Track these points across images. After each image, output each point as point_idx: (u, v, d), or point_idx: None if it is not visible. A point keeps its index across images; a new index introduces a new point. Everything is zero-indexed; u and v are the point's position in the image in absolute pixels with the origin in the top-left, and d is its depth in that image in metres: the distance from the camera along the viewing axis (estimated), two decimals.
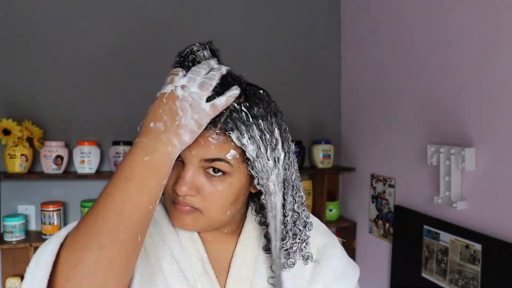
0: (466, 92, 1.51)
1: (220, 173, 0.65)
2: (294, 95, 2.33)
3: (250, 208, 0.79)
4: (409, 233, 1.78)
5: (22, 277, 1.94)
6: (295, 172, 0.71)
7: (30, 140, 1.94)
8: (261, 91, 0.68)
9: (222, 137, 0.63)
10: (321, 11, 2.40)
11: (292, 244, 0.72)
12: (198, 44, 0.66)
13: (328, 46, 2.41)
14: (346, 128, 2.38)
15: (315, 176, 2.31)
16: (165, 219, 0.73)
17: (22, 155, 1.90)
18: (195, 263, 0.70)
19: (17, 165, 1.90)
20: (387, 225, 1.99)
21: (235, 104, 0.63)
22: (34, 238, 1.95)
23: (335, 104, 2.41)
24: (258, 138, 0.63)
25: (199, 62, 0.64)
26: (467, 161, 1.43)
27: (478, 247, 1.41)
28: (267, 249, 0.75)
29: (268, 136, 0.64)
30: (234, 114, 0.62)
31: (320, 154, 2.23)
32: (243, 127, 0.62)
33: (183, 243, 0.72)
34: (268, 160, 0.65)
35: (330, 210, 2.29)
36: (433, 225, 1.63)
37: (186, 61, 0.64)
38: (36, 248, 1.92)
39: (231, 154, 0.64)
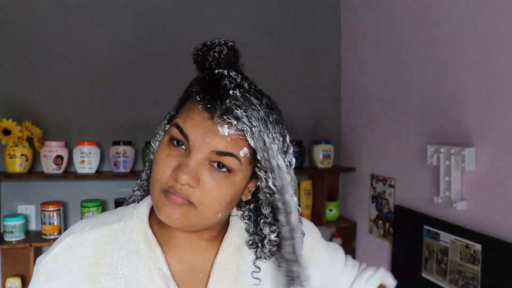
0: (466, 92, 1.51)
1: (225, 169, 0.62)
2: (294, 95, 2.33)
3: (235, 215, 0.76)
4: (409, 233, 1.78)
5: (22, 277, 1.94)
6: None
7: (30, 140, 1.94)
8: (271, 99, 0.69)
9: (239, 132, 0.61)
10: (321, 11, 2.40)
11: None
12: (224, 43, 0.65)
13: (328, 46, 2.41)
14: (346, 128, 2.38)
15: (315, 176, 2.30)
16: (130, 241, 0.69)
17: (22, 155, 1.90)
18: (157, 282, 0.66)
19: (17, 165, 1.90)
20: (387, 225, 1.99)
21: (256, 105, 0.62)
22: (34, 238, 1.95)
23: (335, 104, 2.41)
24: (272, 140, 0.63)
25: (223, 57, 0.64)
26: (467, 161, 1.43)
27: (478, 247, 1.41)
28: (258, 257, 0.73)
29: (281, 139, 0.65)
30: (255, 113, 0.61)
31: (320, 154, 2.23)
32: (262, 128, 0.62)
33: (144, 261, 0.67)
34: (280, 164, 0.64)
35: (330, 210, 2.29)
36: (433, 225, 1.63)
37: (212, 51, 0.64)
38: (36, 248, 1.93)
39: (244, 151, 0.62)
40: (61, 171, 1.96)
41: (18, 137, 1.86)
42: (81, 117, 2.09)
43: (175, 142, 0.63)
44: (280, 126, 0.66)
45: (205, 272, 0.70)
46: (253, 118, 0.61)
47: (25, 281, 1.94)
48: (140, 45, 2.14)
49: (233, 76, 0.63)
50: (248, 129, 0.60)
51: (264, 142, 0.62)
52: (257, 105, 0.62)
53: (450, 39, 1.58)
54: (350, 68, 2.35)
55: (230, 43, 0.65)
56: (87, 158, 1.98)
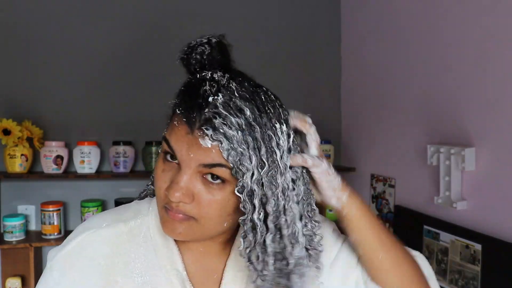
0: (466, 92, 1.51)
1: (219, 181, 0.58)
2: (294, 95, 2.33)
3: None
4: (409, 233, 1.78)
5: (22, 277, 1.94)
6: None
7: (30, 140, 1.94)
8: (270, 93, 0.62)
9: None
10: (321, 11, 2.40)
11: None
12: (206, 41, 0.60)
13: (328, 46, 2.41)
14: (346, 128, 2.38)
15: None
16: (143, 239, 0.67)
17: (22, 155, 1.90)
18: (174, 282, 0.65)
19: (17, 165, 1.90)
20: (387, 225, 1.99)
21: (241, 109, 0.56)
22: (34, 238, 1.95)
23: (335, 104, 2.41)
24: (258, 155, 0.56)
25: (206, 57, 0.60)
26: (467, 161, 1.43)
27: (478, 247, 1.41)
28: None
29: (278, 154, 0.58)
30: (235, 120, 0.55)
31: None
32: (244, 137, 0.55)
33: (160, 261, 0.66)
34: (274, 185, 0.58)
35: (330, 210, 2.29)
36: (433, 225, 1.63)
37: (194, 53, 0.60)
38: (36, 248, 1.93)
39: None
40: (61, 171, 1.96)
41: (18, 137, 1.86)
42: (81, 117, 2.09)
43: (168, 157, 0.61)
44: (279, 134, 0.58)
45: (218, 273, 0.69)
46: (231, 125, 0.55)
47: (25, 281, 1.94)
48: (140, 45, 2.14)
49: (217, 79, 0.58)
50: (224, 140, 0.54)
51: (244, 157, 0.55)
52: (242, 109, 0.56)
53: (450, 39, 1.58)
54: (350, 68, 2.35)
55: (213, 40, 0.60)
56: (87, 158, 1.98)
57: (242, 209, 0.58)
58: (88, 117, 2.09)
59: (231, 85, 0.57)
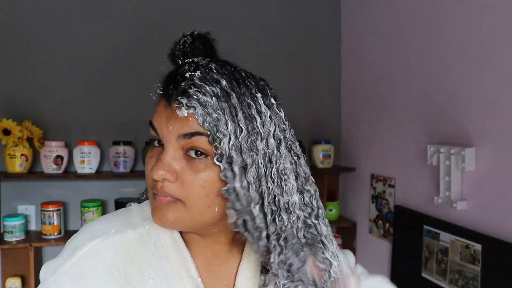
0: (466, 92, 1.51)
1: (203, 156, 0.57)
2: (294, 95, 2.33)
3: None
4: (409, 233, 1.78)
5: (22, 277, 1.94)
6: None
7: (30, 140, 1.94)
8: (255, 75, 0.62)
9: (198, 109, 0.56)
10: (321, 11, 2.40)
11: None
12: (189, 34, 0.62)
13: (328, 46, 2.41)
14: (346, 128, 2.38)
15: (315, 176, 2.26)
16: (154, 245, 0.65)
17: (22, 155, 1.90)
18: None
19: (17, 165, 1.90)
20: (387, 225, 1.99)
21: (217, 80, 0.56)
22: (34, 238, 1.95)
23: (335, 104, 2.41)
24: (235, 121, 0.56)
25: (188, 46, 0.61)
26: (467, 161, 1.43)
27: (478, 247, 1.41)
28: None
29: (259, 120, 0.57)
30: (210, 88, 0.56)
31: (320, 154, 2.23)
32: (220, 103, 0.55)
33: (174, 268, 0.64)
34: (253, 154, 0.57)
35: (330, 210, 2.29)
36: (433, 225, 1.63)
37: (178, 46, 0.62)
38: (36, 248, 1.93)
39: None
40: (61, 171, 1.96)
41: (18, 137, 1.86)
42: (81, 117, 2.09)
43: (156, 143, 0.61)
44: (260, 102, 0.58)
45: (229, 279, 0.68)
46: (205, 93, 0.55)
47: (25, 281, 1.94)
48: (140, 45, 2.14)
49: (196, 61, 0.59)
50: (198, 106, 0.55)
51: (220, 122, 0.55)
52: (218, 80, 0.56)
53: (450, 38, 1.58)
54: (350, 68, 2.35)
55: (196, 32, 0.62)
56: (87, 158, 1.98)
57: (223, 177, 0.56)
58: (88, 117, 2.09)
59: (210, 65, 0.58)
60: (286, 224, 0.60)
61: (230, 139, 0.55)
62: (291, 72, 2.34)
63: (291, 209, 0.60)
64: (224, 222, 0.62)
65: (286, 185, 0.60)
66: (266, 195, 0.58)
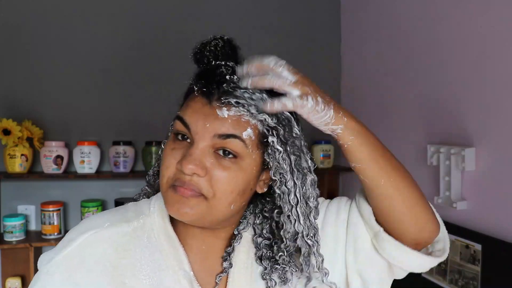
0: (466, 92, 1.51)
1: (231, 156, 0.60)
2: None
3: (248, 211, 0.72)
4: None
5: (22, 277, 1.94)
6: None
7: (30, 140, 1.94)
8: None
9: (239, 114, 0.59)
10: (321, 11, 2.40)
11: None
12: (219, 37, 0.65)
13: (328, 46, 2.41)
14: None
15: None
16: (148, 240, 0.66)
17: (22, 155, 1.90)
18: (182, 282, 0.64)
19: (17, 165, 1.90)
20: None
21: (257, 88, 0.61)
22: (34, 238, 1.95)
23: None
24: (286, 121, 0.63)
25: (220, 49, 0.63)
26: (467, 161, 1.43)
27: (478, 247, 1.41)
28: (261, 258, 0.69)
29: (293, 122, 0.64)
30: (255, 93, 0.60)
31: (320, 154, 2.22)
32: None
33: (167, 261, 0.65)
34: (291, 150, 0.63)
35: None
36: None
37: (208, 47, 0.64)
38: (36, 248, 1.93)
39: (248, 133, 0.60)
40: (61, 171, 1.96)
41: (18, 137, 1.86)
42: (81, 117, 2.09)
43: (179, 137, 0.62)
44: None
45: (223, 271, 0.69)
46: (253, 96, 0.60)
47: (25, 281, 1.94)
48: (140, 45, 2.14)
49: (231, 65, 0.62)
50: (248, 105, 0.59)
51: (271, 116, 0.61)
52: (262, 91, 0.61)
53: (450, 39, 1.58)
54: (350, 68, 2.35)
55: (226, 37, 0.65)
56: (87, 158, 1.98)
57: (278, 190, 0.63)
58: (88, 117, 2.09)
59: None
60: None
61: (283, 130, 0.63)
62: None
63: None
64: (230, 220, 0.66)
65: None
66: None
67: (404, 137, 1.85)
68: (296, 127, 0.64)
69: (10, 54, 2.01)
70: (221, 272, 0.68)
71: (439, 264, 1.52)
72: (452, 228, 1.53)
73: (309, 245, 0.64)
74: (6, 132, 1.85)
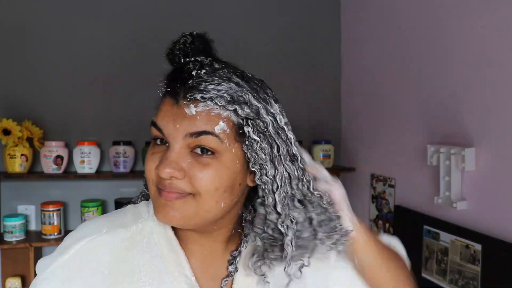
0: (466, 92, 1.51)
1: (209, 153, 0.57)
2: (294, 95, 2.33)
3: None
4: (409, 233, 1.78)
5: (22, 277, 1.94)
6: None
7: (30, 140, 1.94)
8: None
9: (207, 108, 0.57)
10: (321, 11, 2.40)
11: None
12: (189, 33, 0.63)
13: (328, 46, 2.41)
14: (346, 128, 2.38)
15: None
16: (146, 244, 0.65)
17: (22, 155, 1.90)
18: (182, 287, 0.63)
19: (17, 165, 1.90)
20: (387, 225, 1.99)
21: (225, 75, 0.58)
22: (34, 238, 1.95)
23: (335, 104, 2.41)
24: (257, 105, 0.59)
25: (189, 45, 0.62)
26: (467, 161, 1.43)
27: (478, 247, 1.41)
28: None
29: (268, 107, 0.60)
30: (222, 81, 0.57)
31: (320, 154, 2.23)
32: (236, 88, 0.58)
33: (167, 266, 0.63)
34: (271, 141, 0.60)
35: None
36: (433, 225, 1.63)
37: (177, 45, 0.63)
38: (36, 248, 1.93)
39: (220, 126, 0.57)
40: (61, 171, 1.96)
41: (18, 137, 1.86)
42: (81, 117, 2.09)
43: (158, 141, 0.61)
44: (267, 96, 0.61)
45: (224, 276, 0.68)
46: (219, 86, 0.57)
47: (25, 281, 1.94)
48: (140, 45, 2.14)
49: (199, 60, 0.60)
50: (215, 97, 0.56)
51: (244, 100, 0.58)
52: (227, 75, 0.58)
53: (450, 38, 1.58)
54: (350, 68, 2.35)
55: (195, 32, 0.63)
56: (87, 158, 1.98)
57: (259, 182, 0.60)
58: (88, 117, 2.10)
59: (214, 65, 0.59)
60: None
61: (259, 113, 0.60)
62: (291, 72, 2.34)
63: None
64: (224, 220, 0.64)
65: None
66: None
67: (404, 137, 1.85)
68: (276, 113, 0.62)
69: (10, 54, 2.01)
70: (227, 276, 0.67)
71: (439, 264, 1.51)
72: (452, 228, 1.53)
73: (289, 232, 0.63)
74: (6, 132, 1.85)
